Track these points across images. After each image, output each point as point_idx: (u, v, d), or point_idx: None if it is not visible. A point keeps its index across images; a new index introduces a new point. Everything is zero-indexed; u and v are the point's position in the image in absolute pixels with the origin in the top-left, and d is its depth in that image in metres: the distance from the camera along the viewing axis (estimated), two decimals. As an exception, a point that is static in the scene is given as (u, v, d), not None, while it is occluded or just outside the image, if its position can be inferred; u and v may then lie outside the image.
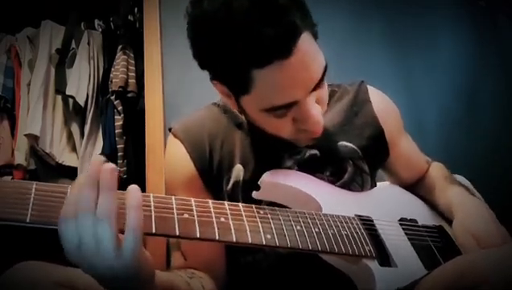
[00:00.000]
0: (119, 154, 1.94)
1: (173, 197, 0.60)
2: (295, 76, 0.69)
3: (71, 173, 2.02)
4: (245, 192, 0.83)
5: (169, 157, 0.92)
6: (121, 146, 1.95)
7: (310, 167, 0.85)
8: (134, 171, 1.92)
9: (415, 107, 1.89)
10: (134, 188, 0.53)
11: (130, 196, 0.52)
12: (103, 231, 0.49)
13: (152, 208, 0.57)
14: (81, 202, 0.49)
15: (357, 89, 0.95)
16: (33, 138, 1.97)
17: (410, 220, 0.84)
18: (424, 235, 0.82)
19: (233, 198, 0.84)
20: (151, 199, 0.58)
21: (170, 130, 0.92)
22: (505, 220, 0.81)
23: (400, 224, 0.82)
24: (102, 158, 0.52)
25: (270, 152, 0.85)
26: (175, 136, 0.90)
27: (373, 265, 0.69)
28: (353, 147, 0.88)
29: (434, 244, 0.81)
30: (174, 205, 0.59)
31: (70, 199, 0.51)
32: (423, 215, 0.89)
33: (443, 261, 0.76)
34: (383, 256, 0.72)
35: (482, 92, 1.98)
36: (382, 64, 1.93)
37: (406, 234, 0.80)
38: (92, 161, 0.52)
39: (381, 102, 0.95)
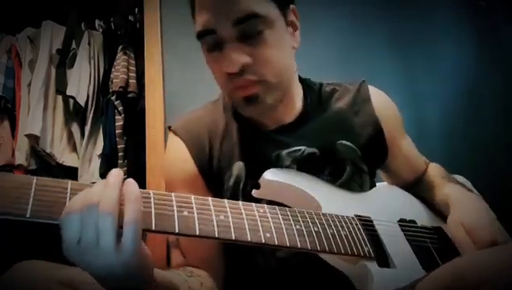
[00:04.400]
0: (119, 154, 1.94)
1: (173, 194, 0.60)
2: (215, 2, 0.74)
3: (71, 173, 2.02)
4: (245, 190, 0.83)
5: (169, 155, 0.92)
6: (122, 146, 1.95)
7: (309, 166, 0.84)
8: (134, 172, 1.92)
9: (416, 107, 1.89)
10: (131, 182, 0.53)
11: (127, 190, 0.52)
12: (105, 225, 0.48)
13: (152, 204, 0.56)
14: (90, 196, 0.50)
15: (358, 88, 0.95)
16: (33, 139, 1.98)
17: (410, 221, 0.84)
18: (423, 236, 0.82)
19: (233, 195, 0.84)
20: (151, 195, 0.57)
21: (169, 128, 0.93)
22: (506, 220, 0.81)
23: (399, 225, 0.81)
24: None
25: (269, 149, 0.85)
26: (175, 134, 0.90)
27: (372, 266, 0.69)
28: (352, 146, 0.88)
29: (432, 245, 0.80)
30: (174, 202, 0.58)
31: (79, 195, 0.51)
32: (422, 216, 0.89)
33: (442, 262, 0.75)
34: (382, 257, 0.71)
35: (483, 92, 1.98)
36: (384, 64, 1.93)
37: (405, 234, 0.79)
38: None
39: (381, 102, 0.95)
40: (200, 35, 0.78)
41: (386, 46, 1.96)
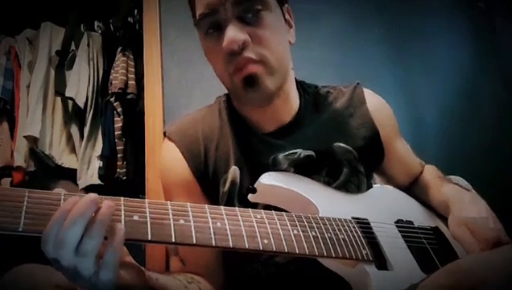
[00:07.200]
0: (119, 155, 1.94)
1: (168, 203, 0.59)
2: None
3: (70, 175, 2.02)
4: (241, 194, 0.83)
5: (164, 160, 0.91)
6: (121, 147, 1.95)
7: (306, 168, 0.84)
8: (133, 173, 1.92)
9: (414, 108, 1.89)
10: (118, 230, 0.53)
11: (113, 235, 0.52)
12: (82, 264, 0.50)
13: (147, 214, 0.56)
14: (64, 239, 0.50)
15: (353, 90, 0.95)
16: (32, 140, 1.98)
17: (407, 221, 0.84)
18: (420, 237, 0.82)
19: (229, 200, 0.84)
20: (146, 205, 0.57)
21: (164, 133, 0.92)
22: (506, 220, 0.81)
23: (396, 226, 0.81)
24: (96, 196, 0.52)
25: (265, 153, 0.85)
26: (170, 139, 0.90)
27: (371, 268, 0.69)
28: (349, 147, 0.87)
29: (430, 246, 0.80)
30: (170, 211, 0.58)
31: (54, 226, 0.50)
32: (419, 216, 0.88)
33: (440, 263, 0.76)
34: (380, 259, 0.71)
35: (481, 92, 1.98)
36: (382, 65, 1.92)
37: (402, 236, 0.79)
38: (85, 199, 0.52)
39: (376, 104, 0.95)
40: (202, 17, 0.79)
41: (383, 46, 1.96)
